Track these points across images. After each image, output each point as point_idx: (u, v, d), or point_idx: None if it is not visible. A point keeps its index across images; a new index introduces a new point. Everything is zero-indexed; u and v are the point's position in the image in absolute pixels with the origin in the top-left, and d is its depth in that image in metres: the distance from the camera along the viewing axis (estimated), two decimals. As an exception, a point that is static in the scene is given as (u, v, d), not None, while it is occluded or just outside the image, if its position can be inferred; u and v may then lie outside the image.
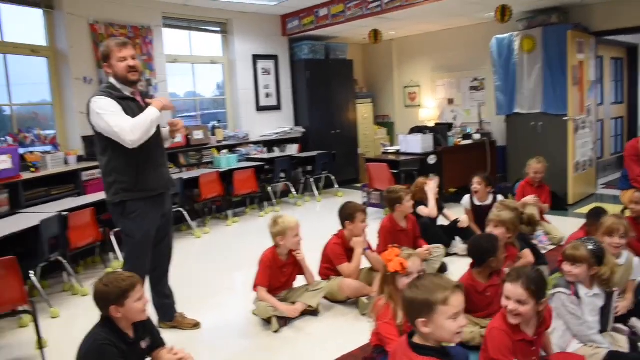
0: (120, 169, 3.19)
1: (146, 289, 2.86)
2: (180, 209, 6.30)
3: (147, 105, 3.25)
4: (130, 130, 3.03)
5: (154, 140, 3.26)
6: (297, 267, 3.88)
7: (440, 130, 7.51)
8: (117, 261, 5.20)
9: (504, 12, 6.73)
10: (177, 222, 6.71)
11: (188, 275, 4.95)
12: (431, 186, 5.11)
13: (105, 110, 3.07)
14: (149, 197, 3.27)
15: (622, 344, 2.89)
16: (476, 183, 5.24)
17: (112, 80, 3.25)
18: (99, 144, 3.21)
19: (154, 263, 3.55)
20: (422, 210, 4.98)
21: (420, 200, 5.06)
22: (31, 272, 4.11)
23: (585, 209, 4.67)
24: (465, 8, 7.29)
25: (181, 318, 3.74)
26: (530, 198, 5.30)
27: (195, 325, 3.73)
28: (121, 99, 3.17)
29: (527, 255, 3.94)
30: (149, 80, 7.00)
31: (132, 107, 3.22)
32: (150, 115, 3.13)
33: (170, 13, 7.43)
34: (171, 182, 3.51)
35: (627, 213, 5.04)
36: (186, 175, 6.69)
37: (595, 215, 4.25)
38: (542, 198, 5.46)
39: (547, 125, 7.24)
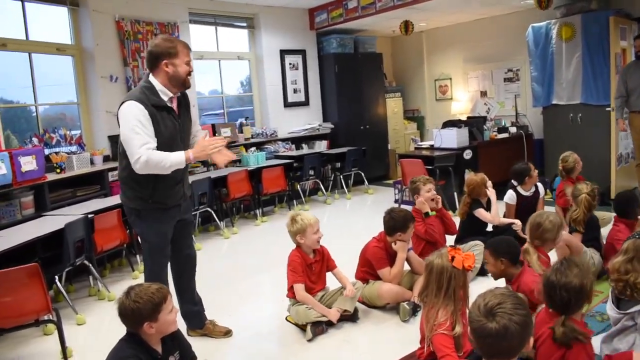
0: (137, 178, 3.03)
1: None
2: (208, 209, 6.15)
3: (180, 117, 3.12)
4: (144, 162, 2.86)
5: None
6: (325, 264, 3.68)
7: (476, 124, 7.24)
8: (138, 270, 5.06)
9: (544, -1, 6.41)
10: (205, 222, 6.60)
11: (216, 278, 4.79)
12: (491, 190, 4.69)
13: (133, 124, 2.87)
14: (163, 208, 3.16)
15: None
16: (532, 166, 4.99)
17: (154, 81, 3.02)
18: (122, 147, 3.02)
19: (178, 270, 3.43)
20: (482, 214, 4.61)
21: (477, 199, 4.72)
22: (56, 277, 3.99)
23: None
24: (502, -5, 7.00)
25: (212, 326, 3.56)
26: None
27: (227, 333, 3.54)
28: (157, 108, 2.98)
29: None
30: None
31: (167, 119, 3.03)
32: (172, 162, 2.93)
33: (196, 8, 7.29)
34: (186, 196, 3.35)
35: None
36: (214, 174, 6.53)
37: (631, 201, 3.98)
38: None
39: (588, 116, 6.90)
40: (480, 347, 1.84)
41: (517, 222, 4.54)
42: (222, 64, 7.99)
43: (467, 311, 1.92)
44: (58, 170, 5.32)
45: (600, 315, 3.10)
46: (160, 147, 2.94)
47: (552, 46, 7.17)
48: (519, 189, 4.97)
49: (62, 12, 6.13)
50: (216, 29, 7.85)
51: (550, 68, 7.22)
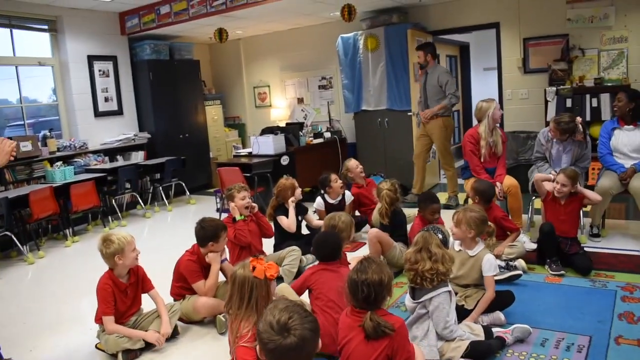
0: None
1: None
2: (7, 233, 5.52)
3: None
4: None
5: None
6: (144, 285, 3.50)
7: (292, 130, 7.45)
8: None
9: (350, 12, 6.80)
10: (5, 247, 5.93)
11: (20, 310, 4.32)
12: (293, 198, 4.84)
13: None
14: None
15: (479, 332, 2.97)
16: (336, 177, 5.31)
17: None
18: None
19: None
20: (282, 221, 4.77)
21: (282, 204, 4.86)
22: None
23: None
24: (311, 7, 7.29)
25: None
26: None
27: None
28: None
29: None
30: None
31: None
32: None
33: (-14, 9, 6.54)
34: None
35: (470, 201, 5.34)
36: (13, 193, 5.90)
37: (425, 200, 4.46)
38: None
39: (393, 120, 7.50)
40: None
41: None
42: (21, 70, 7.27)
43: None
44: None
45: (404, 305, 3.36)
46: None
47: (360, 56, 7.66)
48: (326, 196, 5.29)
49: None
50: (11, 32, 7.10)
51: (359, 76, 7.71)
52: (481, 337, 2.94)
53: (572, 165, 4.71)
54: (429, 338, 2.82)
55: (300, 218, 4.90)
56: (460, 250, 3.46)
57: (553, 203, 4.30)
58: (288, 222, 4.74)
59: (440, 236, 3.10)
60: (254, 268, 2.57)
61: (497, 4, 7.23)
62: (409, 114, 7.24)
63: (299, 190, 4.86)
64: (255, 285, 2.57)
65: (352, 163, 5.63)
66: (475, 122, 5.34)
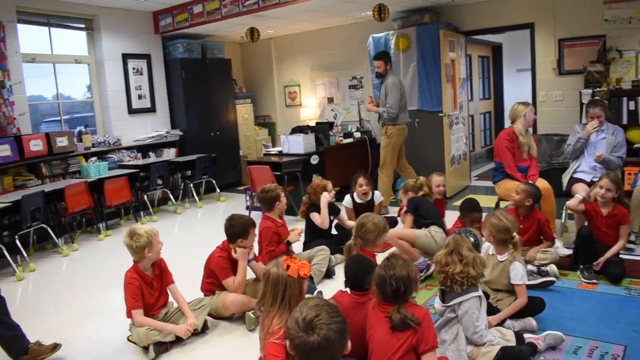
0: None
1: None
2: (44, 225, 5.66)
3: None
4: None
5: None
6: (165, 277, 3.56)
7: (322, 130, 7.45)
8: None
9: (381, 11, 6.78)
10: (41, 239, 6.09)
11: (51, 300, 4.44)
12: (326, 197, 4.85)
13: None
14: None
15: (511, 337, 2.93)
16: (362, 182, 5.25)
17: None
18: None
19: None
20: (314, 217, 4.81)
21: (315, 203, 4.89)
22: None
23: (460, 202, 4.81)
24: (343, 7, 7.29)
25: (37, 346, 3.26)
26: None
27: (55, 347, 3.29)
28: None
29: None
30: (2, 82, 6.24)
31: None
32: None
33: (26, 7, 6.70)
34: None
35: (502, 205, 5.28)
36: (49, 187, 6.04)
37: (467, 207, 4.45)
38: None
39: (424, 121, 7.43)
40: None
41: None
42: (62, 67, 7.42)
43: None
44: None
45: (433, 308, 3.33)
46: None
47: (391, 55, 7.61)
48: (354, 195, 5.29)
49: None
50: (50, 30, 7.26)
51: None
52: (512, 342, 2.90)
53: (610, 153, 4.81)
54: (458, 342, 2.79)
55: (332, 218, 4.91)
56: (492, 254, 3.43)
57: (593, 214, 4.20)
58: (321, 218, 4.76)
59: (472, 239, 3.06)
60: (287, 267, 2.59)
61: (532, 4, 7.11)
62: (440, 114, 7.17)
63: (332, 191, 4.88)
64: (289, 284, 2.59)
65: (438, 179, 5.19)
66: (506, 124, 5.29)
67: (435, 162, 7.13)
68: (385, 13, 6.82)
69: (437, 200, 5.01)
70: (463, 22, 7.74)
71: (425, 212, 4.52)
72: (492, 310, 3.17)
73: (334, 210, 4.98)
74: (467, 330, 2.79)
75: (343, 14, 7.87)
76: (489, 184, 6.22)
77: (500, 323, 3.17)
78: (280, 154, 7.23)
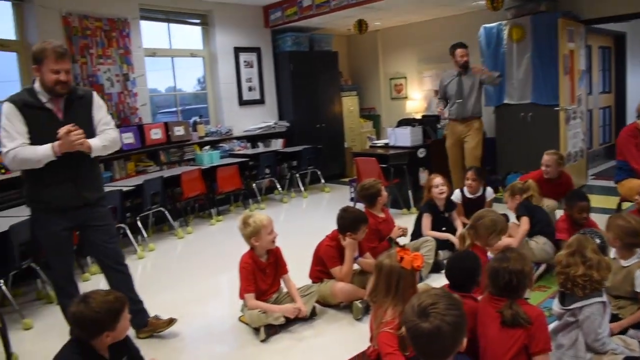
0: (23, 179, 3.16)
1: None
2: (161, 208, 6.03)
3: (67, 117, 3.09)
4: (11, 157, 2.96)
5: (63, 158, 3.03)
6: (280, 267, 3.65)
7: (429, 123, 7.33)
8: (89, 272, 4.93)
9: (495, 0, 6.53)
10: (159, 222, 6.48)
11: (169, 278, 4.73)
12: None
13: (3, 122, 2.99)
14: (50, 209, 3.13)
15: (635, 347, 2.73)
16: (470, 178, 5.09)
17: (35, 84, 3.07)
18: None
19: (107, 276, 3.40)
20: (423, 219, 4.70)
21: (428, 201, 4.78)
22: (1, 280, 3.85)
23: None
24: (453, -3, 7.11)
25: (155, 320, 3.51)
26: None
27: (170, 322, 3.51)
28: (30, 107, 3.01)
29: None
30: (127, 75, 6.71)
31: (41, 117, 3.05)
32: (40, 155, 2.96)
33: (148, 4, 7.13)
34: (85, 199, 3.21)
35: (624, 205, 4.93)
36: (167, 173, 6.43)
37: (573, 197, 4.17)
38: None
39: (538, 116, 7.08)
40: (415, 347, 1.86)
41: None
42: (176, 61, 7.87)
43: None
44: (3, 171, 5.12)
45: (547, 311, 3.18)
46: (38, 144, 2.99)
47: (503, 46, 7.33)
48: (465, 190, 5.13)
49: (5, 7, 5.90)
50: (169, 26, 7.71)
51: (502, 68, 7.36)
52: (637, 352, 2.69)
53: None
54: (577, 349, 2.63)
55: (447, 214, 4.79)
56: (614, 258, 3.20)
57: None
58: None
59: (598, 241, 2.87)
60: (401, 259, 2.57)
61: (664, -12, 6.55)
62: (556, 108, 6.80)
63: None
64: (402, 276, 2.57)
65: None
66: (629, 120, 4.91)
67: (549, 158, 6.77)
68: (499, 2, 6.56)
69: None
70: (583, 10, 7.25)
71: (536, 220, 4.31)
72: (612, 318, 2.95)
73: (450, 206, 4.86)
74: (588, 336, 2.62)
75: (454, 4, 7.68)
76: (608, 183, 5.84)
77: (623, 332, 2.95)
78: (386, 146, 7.20)
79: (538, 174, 4.99)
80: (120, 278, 3.39)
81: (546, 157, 4.96)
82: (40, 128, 3.00)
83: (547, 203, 4.79)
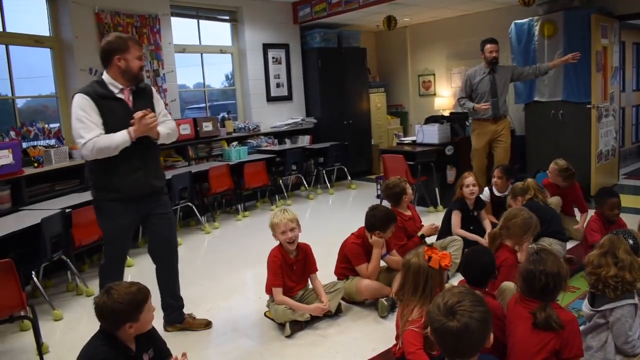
0: (92, 168, 3.18)
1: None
2: (189, 203, 6.11)
3: (136, 107, 3.17)
4: (90, 147, 3.00)
5: (134, 146, 3.11)
6: (309, 265, 3.65)
7: (457, 120, 7.25)
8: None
9: (529, -5, 6.43)
10: (186, 216, 6.56)
11: (196, 272, 4.78)
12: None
13: (77, 113, 3.03)
14: (120, 199, 3.18)
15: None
16: (496, 176, 5.03)
17: (105, 75, 3.17)
18: None
19: (159, 264, 3.46)
20: (453, 217, 4.63)
21: (462, 198, 4.68)
22: (33, 272, 3.94)
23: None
24: (485, -8, 7.02)
25: (191, 319, 3.57)
26: None
27: (207, 324, 3.57)
28: (104, 98, 3.09)
29: None
30: (157, 71, 6.79)
31: (115, 108, 3.13)
32: (116, 142, 3.04)
33: (178, 1, 7.22)
34: (153, 187, 3.30)
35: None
36: (195, 168, 6.50)
37: (603, 194, 4.07)
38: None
39: (569, 113, 6.94)
40: (443, 346, 1.86)
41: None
42: (205, 57, 7.93)
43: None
44: (36, 164, 5.23)
45: (576, 312, 3.12)
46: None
47: (534, 43, 7.19)
48: (493, 188, 5.08)
49: (40, 3, 6.03)
50: (198, 22, 7.77)
51: (533, 65, 7.24)
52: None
53: None
54: (607, 351, 2.58)
55: (475, 213, 4.73)
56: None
57: None
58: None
59: (630, 241, 2.80)
60: (429, 258, 2.56)
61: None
62: (588, 106, 6.66)
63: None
64: (430, 275, 2.56)
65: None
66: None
67: (580, 157, 6.63)
68: (532, -2, 6.46)
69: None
70: (617, 5, 7.07)
71: (540, 220, 4.21)
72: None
73: (479, 205, 4.80)
74: (618, 339, 2.57)
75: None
76: (640, 183, 5.69)
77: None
78: (414, 143, 7.15)
79: None
80: (171, 271, 3.50)
81: (551, 165, 5.06)
82: (114, 118, 3.09)
83: (551, 200, 4.80)
